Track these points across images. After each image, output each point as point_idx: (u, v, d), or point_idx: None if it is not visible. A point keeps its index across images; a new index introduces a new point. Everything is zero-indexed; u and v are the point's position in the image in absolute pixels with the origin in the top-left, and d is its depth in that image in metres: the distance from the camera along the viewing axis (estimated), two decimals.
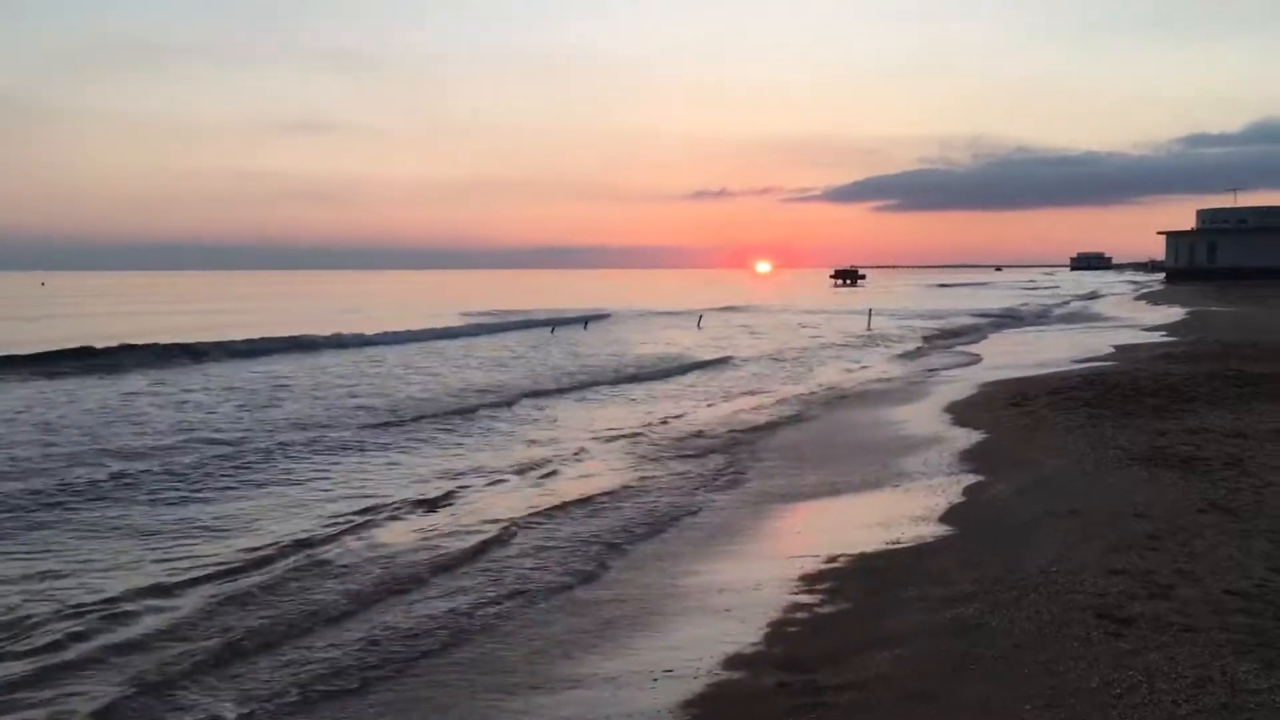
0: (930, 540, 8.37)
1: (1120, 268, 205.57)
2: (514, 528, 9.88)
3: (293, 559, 8.85)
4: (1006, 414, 15.51)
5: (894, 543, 8.56)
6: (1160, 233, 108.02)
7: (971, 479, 10.91)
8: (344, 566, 8.68)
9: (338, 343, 34.75)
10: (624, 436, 15.80)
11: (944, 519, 9.20)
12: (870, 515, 9.84)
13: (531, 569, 8.62)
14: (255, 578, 8.36)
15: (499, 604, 7.66)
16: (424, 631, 7.08)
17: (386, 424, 17.05)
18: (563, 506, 10.89)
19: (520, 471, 13.09)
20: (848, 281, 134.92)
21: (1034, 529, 8.49)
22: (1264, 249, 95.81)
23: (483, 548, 9.20)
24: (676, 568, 8.58)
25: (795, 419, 17.54)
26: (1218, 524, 8.46)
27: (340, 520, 10.24)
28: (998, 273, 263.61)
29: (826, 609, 6.98)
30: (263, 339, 33.26)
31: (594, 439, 15.61)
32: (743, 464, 13.38)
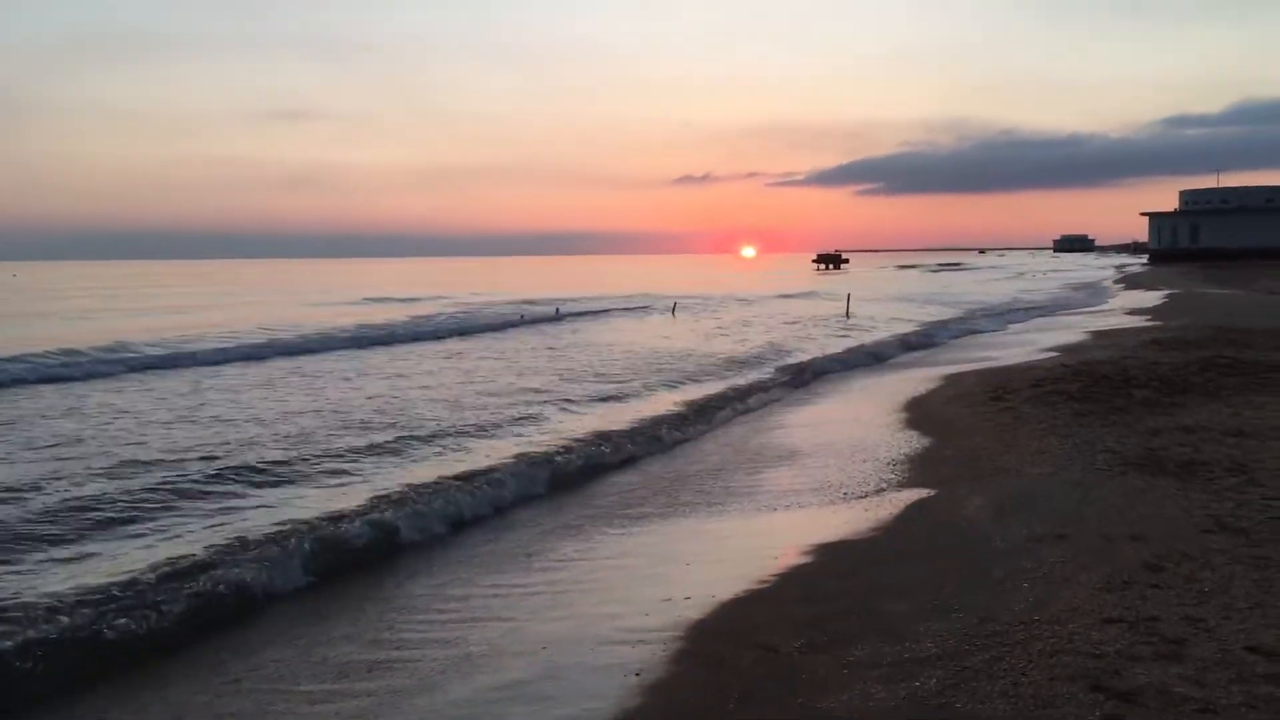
0: (889, 579, 7.04)
1: (1103, 249, 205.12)
2: None
3: None
4: (985, 411, 14.22)
5: (844, 575, 7.23)
6: (1143, 214, 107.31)
7: (944, 493, 9.59)
8: None
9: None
10: None
11: (907, 548, 7.88)
12: (817, 536, 8.52)
13: None
14: None
15: None
16: None
17: None
18: None
19: None
20: (830, 266, 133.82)
21: (1014, 559, 7.19)
22: (1246, 229, 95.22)
23: None
24: None
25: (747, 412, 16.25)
26: (1227, 549, 7.19)
27: None
28: (981, 255, 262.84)
29: (752, 670, 5.65)
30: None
31: None
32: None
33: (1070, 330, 28.56)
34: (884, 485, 10.29)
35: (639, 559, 8.46)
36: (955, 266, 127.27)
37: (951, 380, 18.14)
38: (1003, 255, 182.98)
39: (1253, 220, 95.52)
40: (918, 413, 14.75)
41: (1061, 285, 64.33)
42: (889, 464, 11.30)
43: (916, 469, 10.90)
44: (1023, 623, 5.85)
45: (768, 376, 20.83)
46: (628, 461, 12.84)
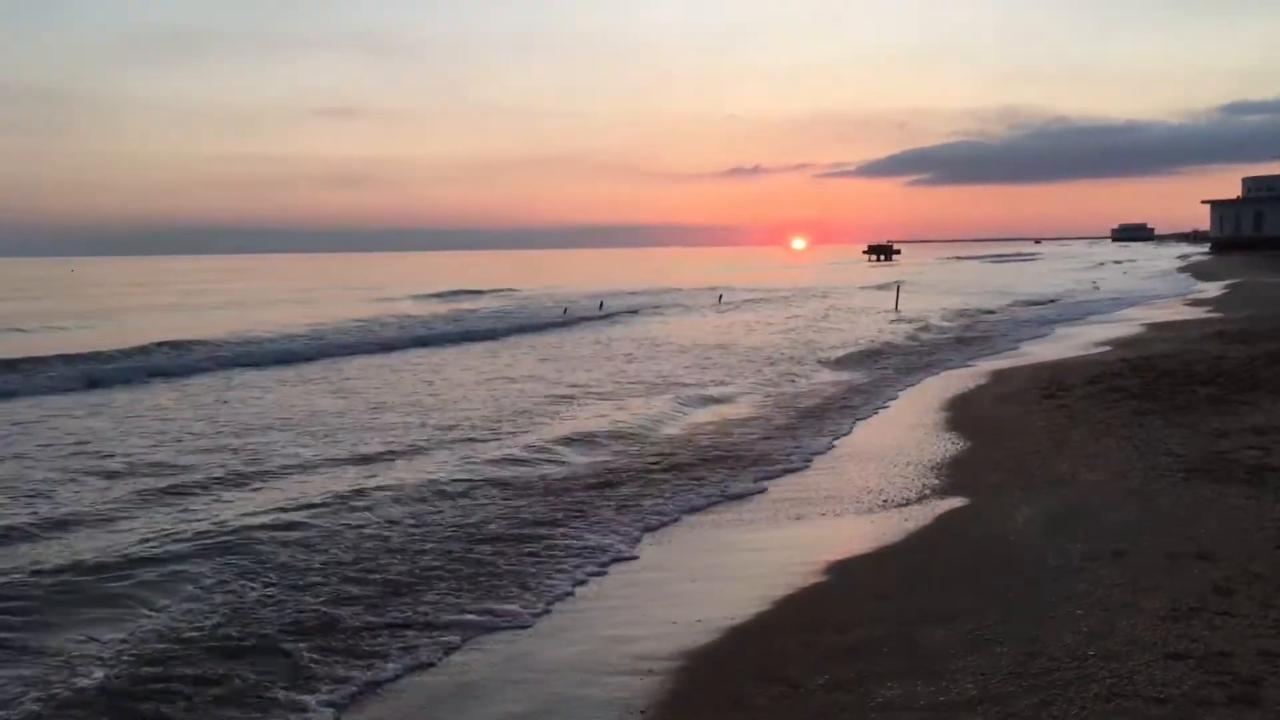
0: (928, 602, 6.41)
1: (1163, 239, 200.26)
2: None
3: None
4: (1038, 409, 13.45)
5: (879, 597, 6.62)
6: (1205, 202, 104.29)
7: (990, 502, 8.91)
8: None
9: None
10: None
11: (949, 565, 7.24)
12: (852, 548, 7.91)
13: None
14: None
15: None
16: None
17: None
18: None
19: None
20: (882, 257, 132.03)
21: (1067, 580, 6.53)
22: None
23: None
24: None
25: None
26: None
27: None
28: (1037, 245, 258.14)
29: (769, 711, 5.07)
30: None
31: None
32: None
33: (1127, 324, 27.48)
34: (926, 492, 9.62)
35: (660, 573, 7.90)
36: (1011, 258, 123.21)
37: (1002, 377, 17.34)
38: (1067, 245, 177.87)
39: None
40: (965, 412, 14.01)
41: (1144, 276, 62.46)
42: (932, 469, 10.62)
43: (962, 475, 10.20)
44: (1075, 658, 5.21)
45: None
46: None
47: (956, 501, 9.08)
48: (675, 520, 9.17)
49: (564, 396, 17.02)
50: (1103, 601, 6.06)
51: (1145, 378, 15.10)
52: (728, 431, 13.37)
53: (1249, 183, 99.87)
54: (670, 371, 20.28)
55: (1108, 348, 20.63)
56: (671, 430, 13.61)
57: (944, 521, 8.44)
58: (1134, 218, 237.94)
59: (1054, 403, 13.81)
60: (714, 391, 17.14)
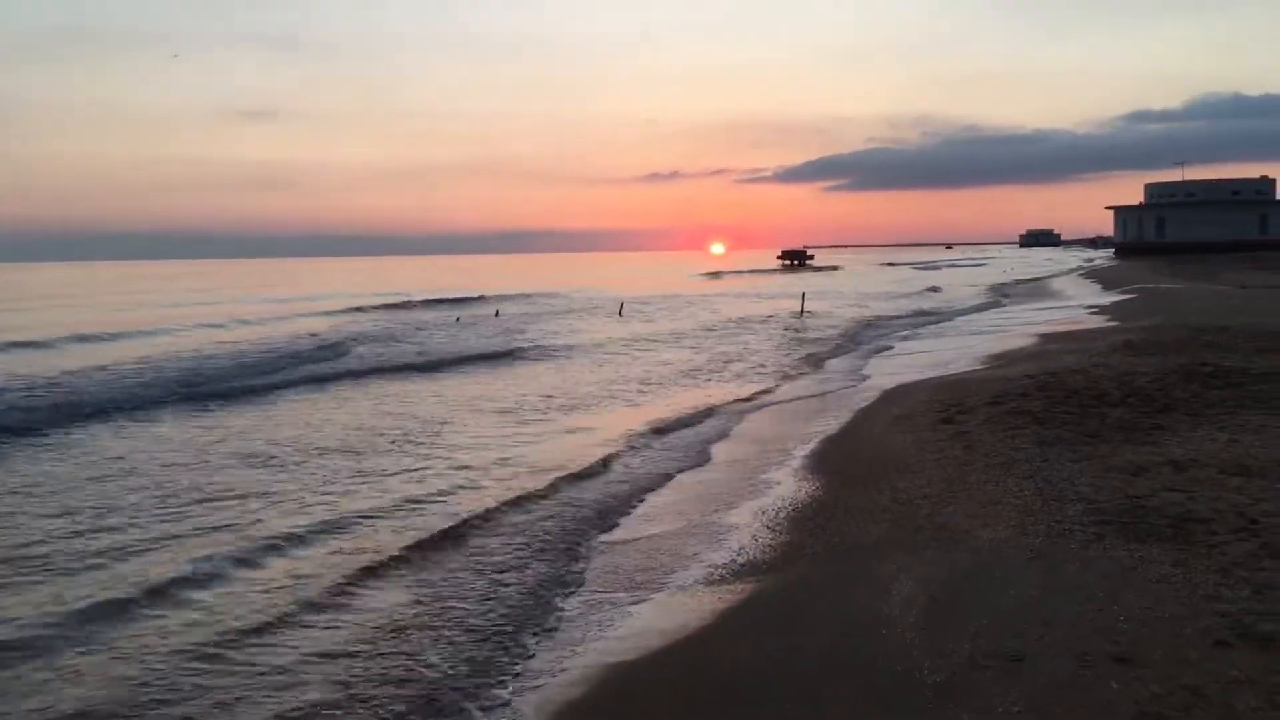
0: None
1: (1069, 244, 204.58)
2: None
3: None
4: (934, 437, 11.91)
5: None
6: (1109, 208, 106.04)
7: (859, 570, 7.23)
8: None
9: None
10: None
11: (791, 674, 5.51)
12: (645, 646, 6.15)
13: None
14: None
15: None
16: None
17: None
18: None
19: None
20: (796, 262, 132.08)
21: (950, 701, 4.85)
22: (1211, 223, 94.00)
23: None
24: None
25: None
26: (1258, 678, 4.91)
27: None
28: (948, 250, 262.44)
29: None
30: None
31: None
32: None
33: (1028, 327, 26.43)
34: (774, 554, 7.91)
35: None
36: (916, 265, 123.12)
37: (898, 396, 15.85)
38: (999, 254, 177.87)
39: (1218, 213, 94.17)
40: (851, 441, 12.42)
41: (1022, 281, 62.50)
42: (793, 520, 8.92)
43: (833, 529, 8.52)
44: None
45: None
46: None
47: (820, 572, 7.37)
48: None
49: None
50: None
51: (1052, 397, 13.70)
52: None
53: (1151, 189, 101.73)
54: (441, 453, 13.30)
55: (1008, 363, 19.34)
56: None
57: (795, 601, 6.72)
58: (1041, 223, 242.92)
59: (952, 429, 12.28)
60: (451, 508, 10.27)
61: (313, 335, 31.45)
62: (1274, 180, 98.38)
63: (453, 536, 9.01)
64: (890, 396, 15.91)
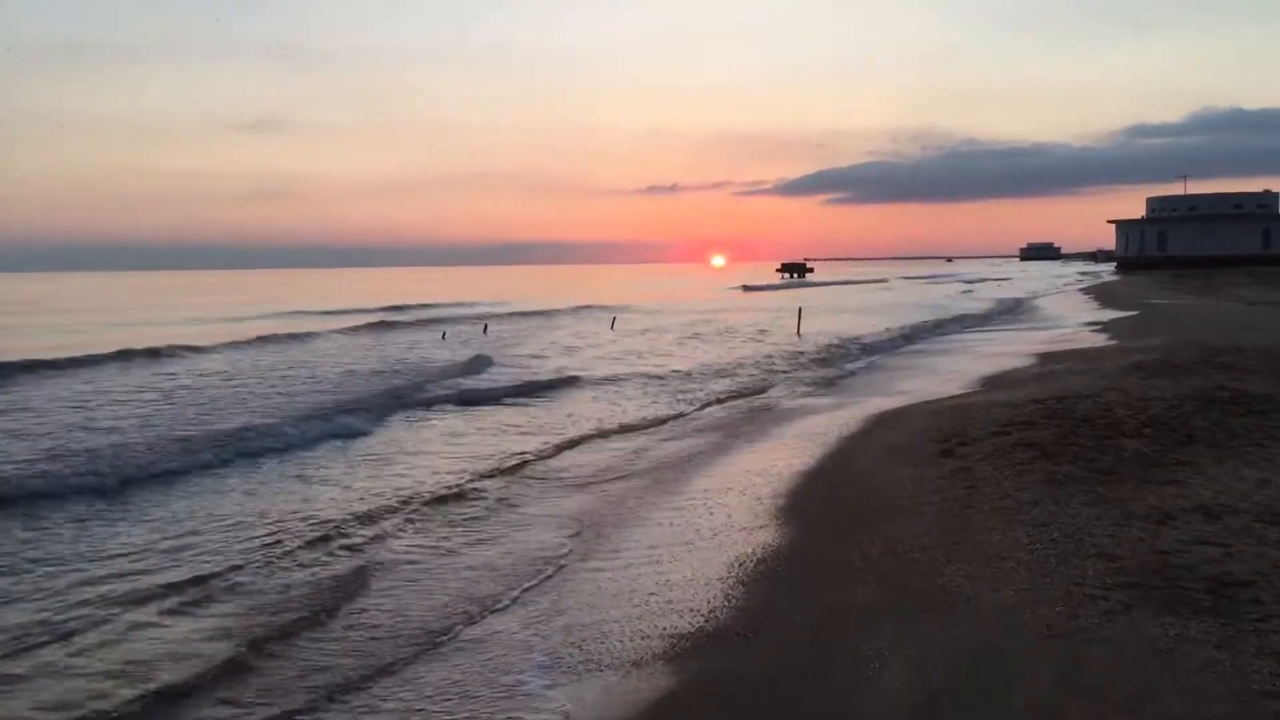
0: None
1: (1069, 258, 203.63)
2: None
3: None
4: (933, 472, 10.79)
5: None
6: (1110, 221, 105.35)
7: (849, 650, 6.11)
8: None
9: None
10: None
11: None
12: None
13: None
14: None
15: None
16: None
17: None
18: None
19: None
20: (795, 275, 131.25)
21: None
22: (1214, 236, 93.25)
23: None
24: None
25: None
26: None
27: None
28: (949, 264, 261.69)
29: None
30: None
31: None
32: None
33: (1035, 345, 25.35)
34: (738, 621, 6.78)
35: None
36: (944, 278, 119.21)
37: (892, 421, 14.74)
38: (997, 266, 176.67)
39: (1220, 227, 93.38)
40: (840, 476, 11.31)
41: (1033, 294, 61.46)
42: (764, 574, 7.80)
43: (807, 586, 7.39)
44: None
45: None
46: None
47: (795, 649, 6.25)
48: None
49: None
50: None
51: (1061, 427, 12.60)
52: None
53: (1154, 203, 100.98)
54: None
55: (1011, 386, 18.25)
56: None
57: (760, 694, 5.60)
58: (1041, 237, 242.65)
59: (953, 463, 11.18)
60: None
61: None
62: (1277, 195, 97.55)
63: None
64: (884, 421, 14.82)
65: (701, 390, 20.67)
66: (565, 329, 41.62)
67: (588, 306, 56.61)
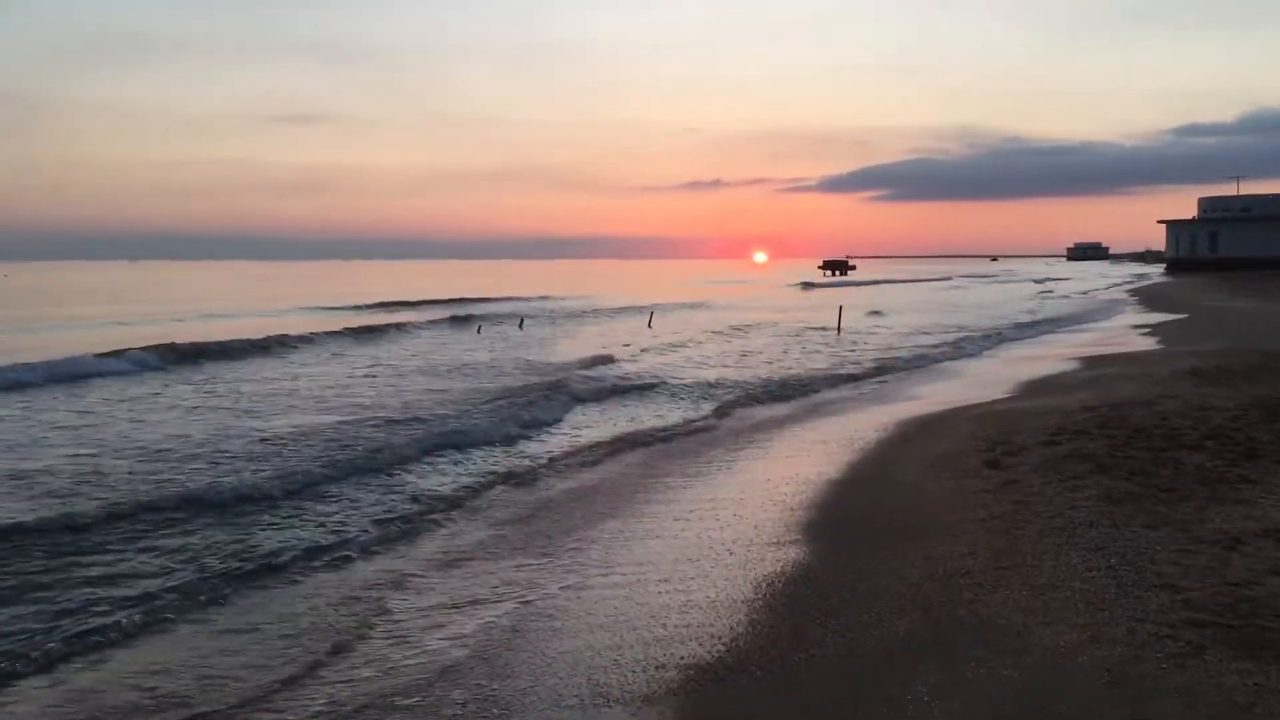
0: None
1: (1117, 258, 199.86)
2: None
3: None
4: (978, 485, 10.12)
5: None
6: (1160, 221, 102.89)
7: (879, 695, 5.50)
8: None
9: None
10: None
11: None
12: None
13: None
14: None
15: None
16: None
17: None
18: None
19: None
20: (837, 272, 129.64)
21: None
22: (1267, 238, 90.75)
23: None
24: None
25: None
26: None
27: None
28: (993, 263, 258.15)
29: None
30: None
31: None
32: None
33: (1084, 349, 24.44)
34: (761, 655, 6.16)
35: None
36: (998, 277, 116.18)
37: (935, 428, 14.04)
38: (1053, 265, 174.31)
39: (1274, 228, 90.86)
40: (878, 486, 10.65)
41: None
42: (791, 597, 7.18)
43: (841, 615, 6.74)
44: None
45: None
46: None
47: (823, 693, 5.63)
48: None
49: None
50: None
51: (1114, 437, 11.86)
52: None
53: (1205, 203, 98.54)
54: None
55: (1062, 391, 17.45)
56: None
57: None
58: (1088, 236, 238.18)
59: (1000, 475, 10.49)
60: None
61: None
62: None
63: None
64: (926, 427, 14.12)
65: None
66: (671, 325, 40.29)
67: (675, 304, 56.62)
